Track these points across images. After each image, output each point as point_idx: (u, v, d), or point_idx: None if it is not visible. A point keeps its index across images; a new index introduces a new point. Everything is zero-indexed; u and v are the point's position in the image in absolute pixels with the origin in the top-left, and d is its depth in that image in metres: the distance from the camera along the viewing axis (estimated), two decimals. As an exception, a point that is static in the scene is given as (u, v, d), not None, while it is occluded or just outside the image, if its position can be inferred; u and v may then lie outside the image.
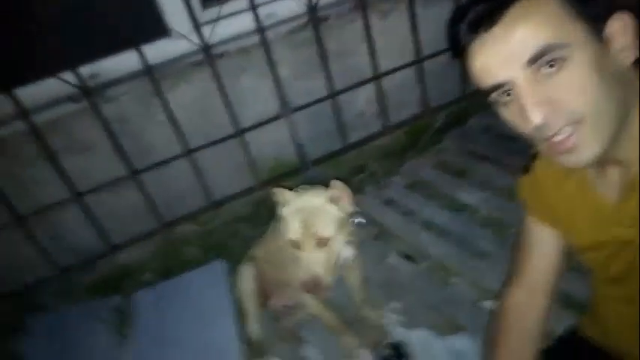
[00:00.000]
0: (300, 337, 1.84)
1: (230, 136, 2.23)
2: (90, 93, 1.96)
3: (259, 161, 2.36)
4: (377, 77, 2.39)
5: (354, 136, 2.51)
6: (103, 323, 2.03)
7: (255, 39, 2.12)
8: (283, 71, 2.23)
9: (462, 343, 1.63)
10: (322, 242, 1.35)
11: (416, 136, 2.64)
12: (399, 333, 1.75)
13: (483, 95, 0.78)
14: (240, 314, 1.92)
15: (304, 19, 2.20)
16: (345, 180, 2.42)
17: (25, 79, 1.94)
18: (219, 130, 2.22)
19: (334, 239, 1.37)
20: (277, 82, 2.21)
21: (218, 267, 2.19)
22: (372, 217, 2.23)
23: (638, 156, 0.76)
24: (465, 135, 2.62)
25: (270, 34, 2.13)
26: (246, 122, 2.25)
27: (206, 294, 2.07)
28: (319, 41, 2.21)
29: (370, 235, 2.16)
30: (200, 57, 2.08)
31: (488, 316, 1.18)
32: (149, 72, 2.00)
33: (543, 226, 1.03)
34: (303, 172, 2.41)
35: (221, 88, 2.12)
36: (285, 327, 1.88)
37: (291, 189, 1.49)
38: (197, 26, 2.00)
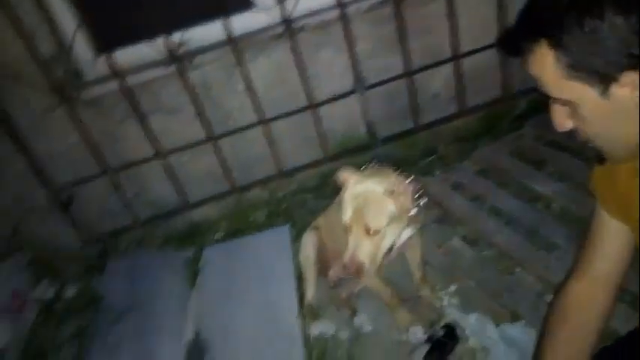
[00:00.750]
0: (354, 307, 1.89)
1: (304, 109, 2.29)
2: (179, 59, 2.09)
3: (329, 135, 2.41)
4: (457, 57, 2.33)
5: (427, 117, 2.48)
6: (174, 272, 2.20)
7: (335, 13, 2.14)
8: (361, 47, 2.23)
9: (517, 331, 1.60)
10: (371, 232, 1.35)
11: (493, 121, 2.55)
12: (454, 315, 1.74)
13: None
14: (299, 279, 2.00)
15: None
16: (414, 161, 2.45)
17: (122, 42, 2.11)
18: (293, 102, 2.28)
19: (383, 232, 1.37)
20: (354, 58, 2.22)
21: (284, 232, 2.28)
22: (438, 200, 2.20)
23: None
24: (547, 123, 2.47)
25: (350, 10, 2.14)
26: (321, 96, 2.29)
27: (270, 256, 2.17)
28: (400, 18, 2.18)
29: (434, 217, 2.14)
30: (281, 30, 2.13)
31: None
32: (233, 42, 2.09)
33: (613, 220, 0.99)
34: (372, 150, 2.43)
35: (299, 62, 2.18)
36: (341, 296, 1.93)
37: (360, 166, 1.51)
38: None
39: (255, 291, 2.02)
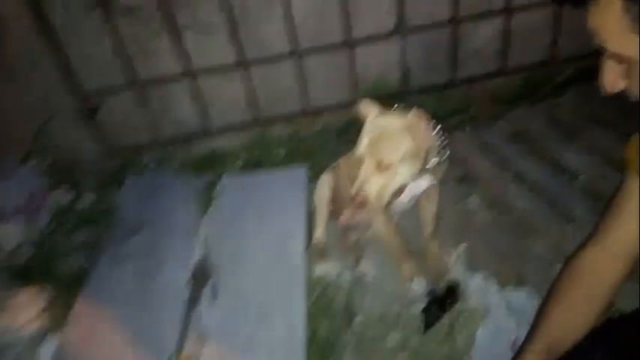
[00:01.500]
0: (360, 253, 1.89)
1: (341, 44, 2.21)
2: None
3: (362, 78, 2.34)
4: (508, 11, 2.20)
5: (465, 72, 2.38)
6: (190, 196, 2.22)
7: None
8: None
9: (521, 296, 1.58)
10: (383, 166, 1.33)
11: (533, 85, 2.44)
12: (459, 274, 1.73)
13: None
14: (311, 220, 2.00)
15: None
16: (446, 116, 2.37)
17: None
18: (330, 36, 2.20)
19: (396, 167, 1.33)
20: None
21: (302, 172, 2.26)
22: (462, 157, 2.15)
23: None
24: (588, 95, 2.37)
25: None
26: (360, 34, 2.20)
27: (285, 194, 2.17)
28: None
29: (456, 176, 2.10)
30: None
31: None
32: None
33: (642, 191, 0.94)
34: (404, 98, 2.35)
35: (342, -7, 2.08)
36: (349, 241, 1.93)
37: (389, 107, 1.46)
38: None
39: (266, 225, 2.03)
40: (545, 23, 2.28)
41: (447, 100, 2.44)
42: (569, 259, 1.06)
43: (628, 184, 0.98)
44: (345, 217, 1.95)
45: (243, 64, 2.23)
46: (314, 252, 1.92)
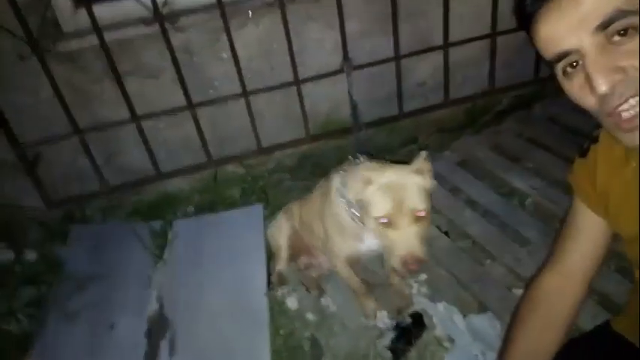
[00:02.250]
0: (322, 288, 1.87)
1: (288, 84, 2.23)
2: (162, 18, 1.99)
3: (312, 115, 2.36)
4: (446, 46, 2.31)
5: (411, 105, 2.45)
6: (141, 244, 2.13)
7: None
8: (351, 26, 2.18)
9: (484, 322, 1.60)
10: (418, 217, 1.26)
11: (476, 114, 2.55)
12: (422, 304, 1.73)
13: (549, 64, 0.76)
14: (269, 258, 1.97)
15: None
16: (395, 149, 2.42)
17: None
18: (278, 76, 2.22)
19: (430, 212, 1.29)
20: (343, 35, 2.17)
21: (257, 210, 2.23)
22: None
23: None
24: (528, 121, 2.50)
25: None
26: (306, 73, 2.24)
27: (241, 234, 2.12)
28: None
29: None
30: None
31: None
32: (221, 6, 2.00)
33: (591, 212, 0.98)
34: (354, 134, 2.39)
35: (287, 34, 2.11)
36: (310, 276, 1.91)
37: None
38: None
39: (224, 268, 1.98)
40: (481, 56, 2.41)
41: (397, 132, 2.50)
42: (528, 286, 1.09)
43: (575, 208, 1.02)
44: (304, 259, 1.93)
45: (191, 106, 2.20)
46: (275, 281, 1.89)
